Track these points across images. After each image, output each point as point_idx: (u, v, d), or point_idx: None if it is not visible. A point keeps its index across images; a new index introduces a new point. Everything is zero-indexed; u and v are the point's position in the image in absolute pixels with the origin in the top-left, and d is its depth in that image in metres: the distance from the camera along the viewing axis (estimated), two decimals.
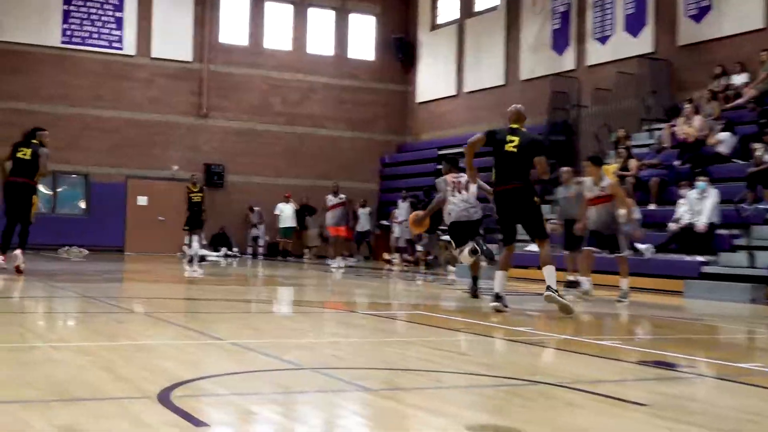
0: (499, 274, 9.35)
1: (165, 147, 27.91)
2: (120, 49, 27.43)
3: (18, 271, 13.32)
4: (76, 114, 26.91)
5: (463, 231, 11.49)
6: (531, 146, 9.28)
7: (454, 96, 29.06)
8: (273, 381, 4.61)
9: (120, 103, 27.47)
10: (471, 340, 6.98)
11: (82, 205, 27.35)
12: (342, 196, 22.43)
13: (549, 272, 9.09)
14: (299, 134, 29.72)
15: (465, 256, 11.32)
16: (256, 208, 28.20)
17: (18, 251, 13.55)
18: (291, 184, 28.88)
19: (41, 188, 15.02)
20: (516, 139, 9.32)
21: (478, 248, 11.22)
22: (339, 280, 15.51)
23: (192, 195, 20.87)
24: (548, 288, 9.04)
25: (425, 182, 27.12)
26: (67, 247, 25.45)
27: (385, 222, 25.12)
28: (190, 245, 21.30)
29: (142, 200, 27.45)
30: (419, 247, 23.62)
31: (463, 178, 11.59)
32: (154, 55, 27.87)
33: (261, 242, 28.14)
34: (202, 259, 21.22)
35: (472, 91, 28.15)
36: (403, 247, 24.62)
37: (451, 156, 12.90)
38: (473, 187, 11.56)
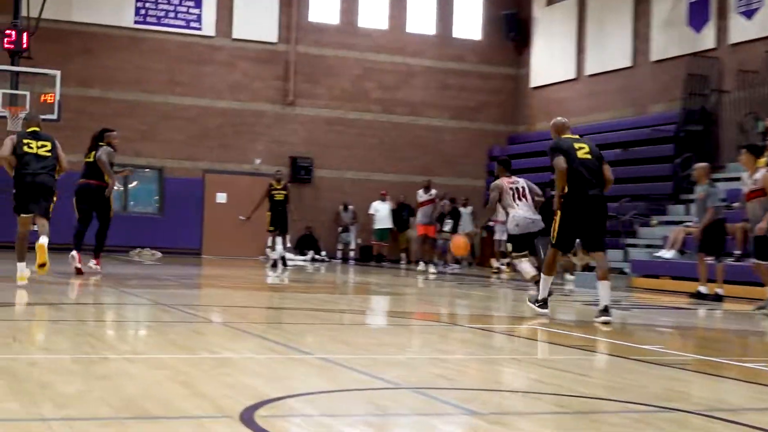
0: (546, 279, 10.00)
1: (247, 138, 28.36)
2: (198, 29, 27.96)
3: (78, 272, 14.30)
4: (150, 102, 27.56)
5: (525, 241, 12.32)
6: (599, 154, 9.95)
7: (573, 80, 28.76)
8: (368, 401, 4.64)
9: (198, 90, 28.01)
10: (592, 358, 6.91)
11: (156, 202, 28.07)
12: (433, 192, 22.50)
13: (606, 288, 9.65)
14: (396, 124, 29.82)
15: (526, 269, 12.16)
16: (350, 207, 28.38)
17: (74, 252, 14.54)
18: (387, 180, 29.03)
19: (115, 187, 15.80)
20: (585, 146, 9.92)
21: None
22: (440, 289, 15.51)
23: (275, 192, 21.02)
24: (605, 310, 9.51)
25: (540, 178, 26.67)
26: (138, 249, 26.06)
27: (490, 222, 24.96)
28: (273, 248, 21.59)
29: (221, 197, 27.92)
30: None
31: (521, 183, 12.47)
32: (235, 35, 28.33)
33: (352, 245, 28.35)
34: (285, 263, 21.47)
35: (595, 74, 27.81)
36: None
37: (504, 158, 13.69)
38: (529, 195, 12.44)
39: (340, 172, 29.20)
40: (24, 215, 12.15)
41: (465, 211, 26.58)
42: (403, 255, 28.02)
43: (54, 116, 22.47)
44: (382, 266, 25.59)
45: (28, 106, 22.06)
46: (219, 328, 8.32)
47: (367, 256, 28.35)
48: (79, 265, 14.57)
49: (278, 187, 21.05)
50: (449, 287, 15.53)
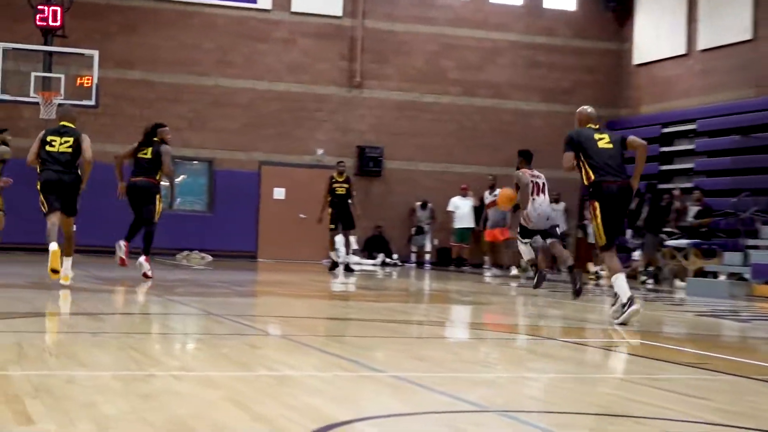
0: (620, 277, 10.62)
1: (308, 126, 28.49)
2: (253, 2, 28.18)
3: (146, 276, 15.26)
4: (199, 85, 27.81)
5: (533, 234, 14.90)
6: (620, 143, 10.96)
7: (683, 55, 28.42)
8: (448, 425, 4.63)
9: (252, 71, 28.21)
10: (707, 378, 6.83)
11: (205, 198, 28.32)
12: (498, 192, 22.52)
13: (623, 280, 10.55)
14: (478, 108, 29.75)
15: (526, 251, 15.01)
16: (429, 204, 28.29)
17: (142, 258, 15.45)
18: (468, 173, 28.93)
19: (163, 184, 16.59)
20: (605, 136, 10.96)
21: (575, 282, 14.44)
22: (529, 297, 15.43)
23: (336, 186, 21.19)
24: (631, 301, 10.30)
25: (646, 169, 26.52)
26: (186, 252, 26.34)
27: (586, 221, 24.81)
28: (335, 248, 21.70)
29: (278, 193, 28.11)
30: (636, 255, 23.24)
31: (542, 179, 14.78)
32: (294, 9, 28.48)
33: (428, 247, 28.31)
34: (349, 268, 21.56)
35: (708, 49, 27.45)
36: None
37: (525, 150, 15.77)
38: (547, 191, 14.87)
39: (414, 164, 29.19)
40: (51, 213, 13.21)
41: (557, 209, 26.41)
42: (486, 258, 27.91)
43: (91, 101, 22.87)
44: (463, 271, 25.55)
45: (62, 91, 22.47)
46: (278, 341, 8.37)
47: (445, 260, 28.33)
48: (123, 256, 15.68)
49: (340, 179, 21.23)
50: (539, 296, 15.44)
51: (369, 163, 28.69)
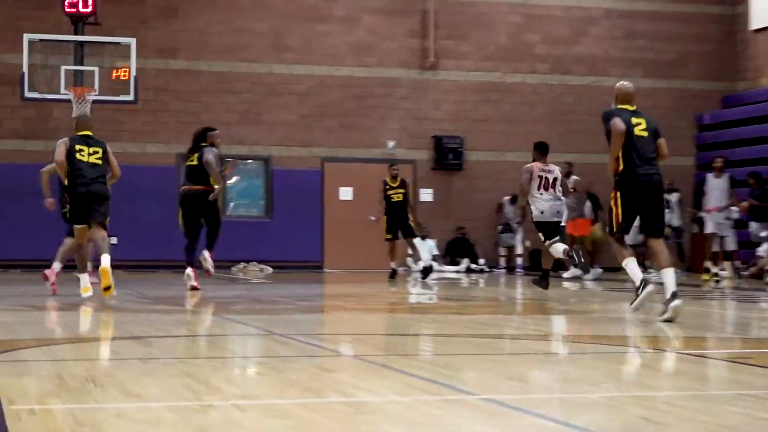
0: (631, 261, 11.88)
1: (376, 115, 28.54)
2: None
3: (194, 290, 16.57)
4: (251, 73, 27.92)
5: (553, 229, 16.29)
6: (655, 131, 11.94)
7: None
8: None
9: (311, 55, 28.31)
10: None
11: (262, 202, 28.45)
12: (573, 179, 22.52)
13: (672, 275, 11.57)
14: (571, 87, 29.58)
15: (557, 250, 16.08)
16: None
17: (206, 252, 17.31)
18: (564, 163, 28.64)
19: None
20: (642, 121, 11.85)
21: (575, 258, 16.76)
22: (639, 304, 15.27)
23: (392, 193, 21.47)
24: (674, 295, 11.25)
25: (765, 151, 26.28)
26: (243, 264, 26.47)
27: (701, 213, 24.54)
28: (394, 258, 21.80)
29: (345, 193, 28.22)
30: (761, 251, 22.92)
31: (554, 173, 16.38)
32: None
33: (519, 249, 28.12)
34: (426, 274, 21.59)
35: None
36: (732, 250, 23.94)
37: (540, 142, 17.10)
38: (559, 187, 16.38)
39: (499, 154, 29.04)
40: (80, 225, 14.45)
41: (671, 199, 26.11)
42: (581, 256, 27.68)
43: (130, 96, 23.06)
44: (560, 276, 25.38)
45: (96, 85, 22.65)
46: (351, 362, 8.39)
47: (539, 263, 28.07)
48: (195, 283, 16.78)
49: (394, 185, 21.62)
50: (651, 302, 15.29)
51: (447, 155, 28.58)
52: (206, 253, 17.48)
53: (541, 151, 16.77)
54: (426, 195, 28.32)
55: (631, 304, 11.90)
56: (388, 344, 10.01)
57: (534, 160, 16.64)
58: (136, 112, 25.48)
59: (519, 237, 27.91)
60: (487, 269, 27.69)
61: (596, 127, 29.56)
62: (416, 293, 18.60)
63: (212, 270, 17.55)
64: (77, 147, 14.21)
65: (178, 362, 8.18)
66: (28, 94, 22.80)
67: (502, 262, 28.28)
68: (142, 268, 23.24)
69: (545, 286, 16.94)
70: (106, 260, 13.64)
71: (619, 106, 12.06)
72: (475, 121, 28.94)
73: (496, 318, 13.33)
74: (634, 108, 12.04)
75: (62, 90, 22.63)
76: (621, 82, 12.45)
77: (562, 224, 17.94)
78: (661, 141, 12.04)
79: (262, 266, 26.38)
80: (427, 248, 25.74)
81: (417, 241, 22.72)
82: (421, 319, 13.24)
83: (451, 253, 27.86)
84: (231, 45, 27.88)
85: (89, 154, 14.31)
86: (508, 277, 25.52)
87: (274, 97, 28.08)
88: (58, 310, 13.26)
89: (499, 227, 28.39)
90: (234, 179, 27.78)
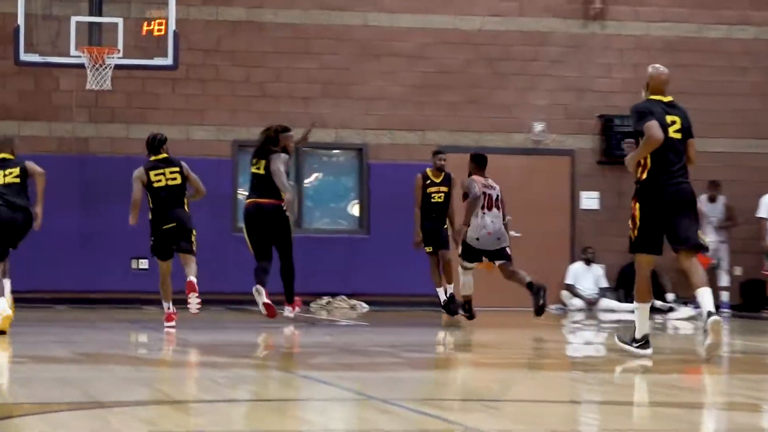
0: (643, 308, 14.06)
1: (518, 85, 28.46)
2: None
3: (270, 311, 18.54)
4: (339, 26, 27.93)
5: (479, 254, 19.85)
6: (689, 129, 13.73)
7: None
8: None
9: (423, 2, 28.38)
10: None
11: (353, 210, 28.46)
12: (721, 199, 22.85)
13: (708, 295, 13.31)
14: None
15: (468, 283, 20.17)
16: (721, 198, 27.68)
17: (288, 310, 19.62)
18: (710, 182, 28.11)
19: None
20: (677, 119, 13.56)
21: (538, 297, 19.68)
22: (625, 350, 15.29)
23: (432, 190, 21.73)
24: (710, 314, 13.03)
25: None
26: (327, 299, 26.38)
27: None
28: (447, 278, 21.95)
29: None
30: None
31: (496, 190, 19.67)
32: None
33: (725, 280, 27.65)
34: (451, 309, 21.53)
35: None
36: None
37: (478, 153, 20.57)
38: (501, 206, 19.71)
39: (698, 142, 28.54)
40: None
41: (716, 206, 26.13)
42: None
43: (167, 60, 23.05)
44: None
45: (120, 44, 22.64)
46: None
47: (755, 299, 27.65)
48: (268, 300, 18.65)
49: (437, 180, 21.91)
50: None
51: (620, 144, 28.17)
52: (287, 309, 19.67)
53: (478, 164, 19.99)
54: (589, 200, 28.08)
55: (620, 341, 14.37)
56: (538, 414, 9.92)
57: (469, 175, 19.82)
58: (176, 82, 25.53)
59: (724, 263, 27.50)
60: (678, 306, 27.16)
61: None
62: (574, 342, 18.39)
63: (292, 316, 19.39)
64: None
65: None
66: (24, 57, 22.86)
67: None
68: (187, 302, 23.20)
69: (453, 313, 21.14)
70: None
71: (651, 97, 13.76)
72: None
73: (689, 378, 13.33)
74: (669, 99, 13.78)
75: (72, 51, 22.67)
76: (655, 66, 14.16)
77: (508, 251, 20.34)
78: (692, 142, 13.79)
79: (354, 302, 26.33)
80: (592, 277, 25.45)
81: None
82: (583, 379, 13.23)
83: (624, 284, 27.44)
84: None
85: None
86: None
87: (370, 61, 28.06)
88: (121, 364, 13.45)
89: None
90: (313, 177, 27.85)
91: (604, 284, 26.83)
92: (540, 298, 19.49)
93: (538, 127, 28.21)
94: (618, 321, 23.22)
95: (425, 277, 27.25)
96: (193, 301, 17.94)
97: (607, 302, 25.45)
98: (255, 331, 16.01)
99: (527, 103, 28.34)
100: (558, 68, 28.46)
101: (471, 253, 19.71)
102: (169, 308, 18.42)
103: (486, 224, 19.36)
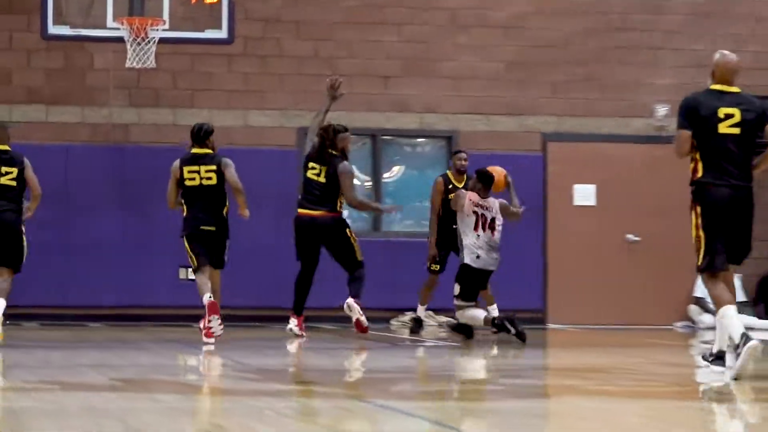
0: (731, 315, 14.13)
1: (636, 62, 28.34)
2: None
3: (360, 328, 19.83)
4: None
5: (478, 283, 20.60)
6: (759, 121, 13.77)
7: None
8: None
9: None
10: None
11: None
12: None
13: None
14: None
15: (476, 315, 20.39)
16: None
17: (350, 300, 19.98)
18: None
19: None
20: (736, 112, 13.58)
21: (510, 327, 20.12)
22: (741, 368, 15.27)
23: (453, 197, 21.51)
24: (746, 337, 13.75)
25: None
26: (408, 315, 26.12)
27: None
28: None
29: (583, 194, 28.03)
30: None
31: (492, 211, 20.21)
32: None
33: None
34: (415, 328, 22.74)
35: None
36: None
37: (483, 171, 20.65)
38: (499, 228, 20.33)
39: None
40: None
41: None
42: None
43: (222, 33, 22.99)
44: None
45: (166, 14, 22.54)
46: None
47: None
48: (299, 331, 19.82)
49: (459, 184, 22.29)
50: None
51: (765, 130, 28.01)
52: (351, 301, 19.98)
53: (485, 183, 20.60)
54: None
55: (710, 359, 14.80)
56: None
57: (471, 189, 20.66)
58: (231, 59, 25.45)
59: None
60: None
61: None
62: (702, 366, 18.16)
63: (364, 321, 19.89)
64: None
65: None
66: (53, 30, 22.84)
67: None
68: (241, 320, 23.12)
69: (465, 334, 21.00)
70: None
71: (713, 87, 13.92)
72: None
73: None
74: (734, 90, 13.93)
75: (110, 22, 22.59)
76: (723, 52, 14.19)
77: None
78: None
79: (442, 318, 26.06)
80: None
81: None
82: (713, 411, 13.04)
83: (764, 297, 27.20)
84: None
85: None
86: None
87: (458, 33, 28.05)
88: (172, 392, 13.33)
89: None
90: (395, 170, 28.01)
91: (741, 297, 26.52)
92: (512, 326, 20.26)
93: (662, 110, 28.02)
94: (761, 341, 23.01)
95: (528, 288, 27.28)
96: (215, 323, 18.25)
97: (743, 319, 25.13)
98: (324, 353, 15.83)
99: (647, 82, 28.24)
100: (683, 39, 28.27)
101: (471, 280, 20.34)
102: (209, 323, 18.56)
103: (481, 245, 20.22)
